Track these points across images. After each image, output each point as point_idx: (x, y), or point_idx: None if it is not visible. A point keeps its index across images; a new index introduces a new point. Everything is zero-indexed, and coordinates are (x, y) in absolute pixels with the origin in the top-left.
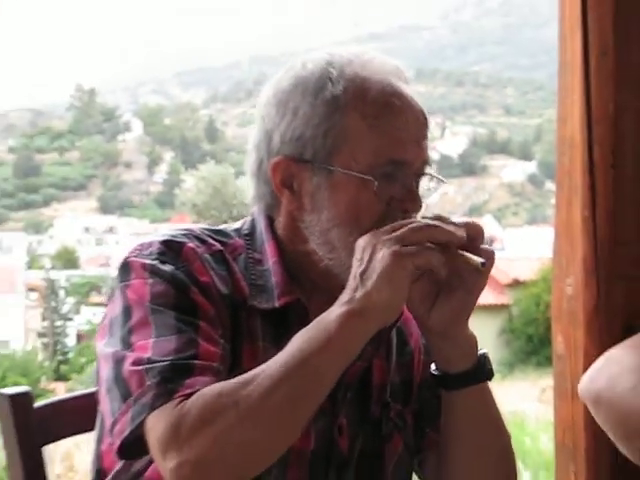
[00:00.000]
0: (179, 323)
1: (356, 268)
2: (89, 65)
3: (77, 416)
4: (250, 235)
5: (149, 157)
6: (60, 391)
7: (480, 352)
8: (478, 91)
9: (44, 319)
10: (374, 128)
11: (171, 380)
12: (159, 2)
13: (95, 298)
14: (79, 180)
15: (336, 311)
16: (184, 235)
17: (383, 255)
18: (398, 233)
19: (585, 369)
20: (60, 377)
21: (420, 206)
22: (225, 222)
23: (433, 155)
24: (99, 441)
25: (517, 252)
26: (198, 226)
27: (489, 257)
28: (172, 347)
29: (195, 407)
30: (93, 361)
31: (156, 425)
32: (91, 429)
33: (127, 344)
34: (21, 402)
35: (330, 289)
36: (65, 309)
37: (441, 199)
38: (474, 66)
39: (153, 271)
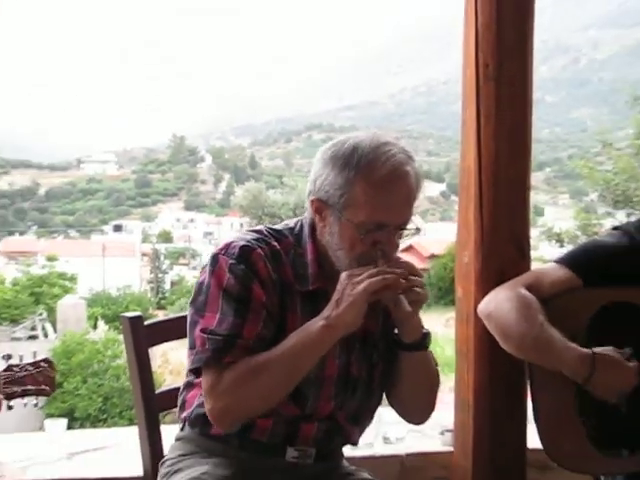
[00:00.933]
0: (236, 310)
1: (335, 295)
2: (180, 119)
3: (169, 330)
4: (298, 235)
5: (215, 177)
6: (160, 316)
7: (424, 331)
8: (411, 142)
9: (151, 272)
10: (369, 202)
11: (221, 351)
12: (234, 76)
13: (182, 260)
14: (173, 190)
15: (318, 322)
16: (256, 240)
17: (351, 292)
18: (362, 278)
19: (475, 307)
20: (160, 307)
21: (395, 249)
22: (259, 216)
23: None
24: None
25: (434, 237)
26: (266, 227)
27: (420, 298)
28: (228, 326)
29: (228, 376)
30: (180, 298)
31: (204, 378)
32: (178, 338)
33: (201, 310)
34: (136, 322)
35: None
36: (164, 267)
37: None
38: (409, 126)
39: (231, 269)
